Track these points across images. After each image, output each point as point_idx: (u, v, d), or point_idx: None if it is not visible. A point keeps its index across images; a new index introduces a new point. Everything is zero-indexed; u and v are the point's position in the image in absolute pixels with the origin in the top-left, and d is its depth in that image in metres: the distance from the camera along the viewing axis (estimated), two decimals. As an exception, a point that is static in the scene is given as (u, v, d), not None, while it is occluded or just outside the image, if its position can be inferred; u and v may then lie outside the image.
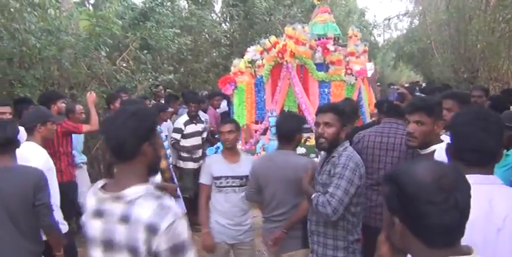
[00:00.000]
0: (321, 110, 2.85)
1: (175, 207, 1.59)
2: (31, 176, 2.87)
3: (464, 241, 1.40)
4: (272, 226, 3.15)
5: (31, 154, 3.27)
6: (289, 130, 3.12)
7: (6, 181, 2.76)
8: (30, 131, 3.44)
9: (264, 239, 3.28)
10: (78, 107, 5.20)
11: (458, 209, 1.11)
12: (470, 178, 1.61)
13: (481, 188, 1.62)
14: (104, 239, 1.62)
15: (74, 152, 5.07)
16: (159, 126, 4.93)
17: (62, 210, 4.73)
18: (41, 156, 3.36)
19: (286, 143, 3.13)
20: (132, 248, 1.53)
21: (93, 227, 1.66)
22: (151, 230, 1.50)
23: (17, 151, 2.98)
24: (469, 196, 1.16)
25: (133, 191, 1.57)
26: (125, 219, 1.55)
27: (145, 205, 1.55)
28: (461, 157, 1.72)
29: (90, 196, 1.70)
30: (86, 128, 5.00)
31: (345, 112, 2.86)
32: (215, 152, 4.54)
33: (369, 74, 5.00)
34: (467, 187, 1.17)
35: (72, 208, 5.06)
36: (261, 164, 3.21)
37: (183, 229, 1.55)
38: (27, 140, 3.38)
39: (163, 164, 3.91)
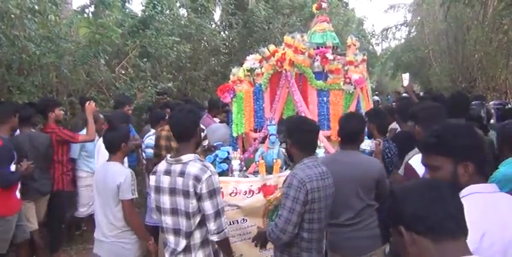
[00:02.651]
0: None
1: (211, 167, 2.63)
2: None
3: (485, 253, 1.43)
4: (347, 232, 3.03)
5: None
6: (354, 129, 3.08)
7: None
8: None
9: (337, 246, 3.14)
10: (101, 117, 5.20)
11: (449, 213, 1.20)
12: (476, 188, 1.62)
13: (488, 197, 1.62)
14: (170, 187, 2.60)
15: (91, 160, 5.13)
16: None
17: (52, 219, 4.68)
18: None
19: (350, 143, 3.07)
20: (185, 192, 2.53)
21: (164, 180, 2.63)
22: (197, 179, 2.50)
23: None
24: (461, 205, 1.24)
25: (187, 157, 2.60)
26: (182, 174, 2.55)
27: (194, 165, 2.56)
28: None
29: (162, 163, 2.71)
30: (82, 137, 4.93)
31: (291, 129, 2.84)
32: (213, 160, 4.52)
33: (405, 83, 5.19)
34: (458, 197, 1.28)
35: (62, 216, 5.02)
36: (328, 167, 2.96)
37: (215, 180, 2.55)
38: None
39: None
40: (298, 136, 2.79)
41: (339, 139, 3.34)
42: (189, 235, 2.60)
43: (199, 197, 2.52)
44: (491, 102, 6.25)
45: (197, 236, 2.61)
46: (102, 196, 3.47)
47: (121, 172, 3.37)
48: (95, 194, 3.60)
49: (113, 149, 3.47)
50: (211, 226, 2.54)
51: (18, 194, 4.13)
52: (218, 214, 2.54)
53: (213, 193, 2.52)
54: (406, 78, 5.18)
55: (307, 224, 2.64)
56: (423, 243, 1.18)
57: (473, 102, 4.71)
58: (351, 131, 3.09)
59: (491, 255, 1.46)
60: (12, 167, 4.06)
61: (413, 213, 1.19)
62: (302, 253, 2.67)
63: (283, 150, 4.45)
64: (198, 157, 2.65)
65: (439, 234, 1.17)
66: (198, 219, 2.57)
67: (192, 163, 2.57)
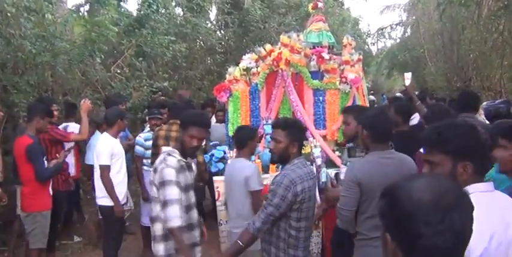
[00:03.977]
0: (272, 126, 2.98)
1: (170, 160, 2.85)
2: None
3: (493, 253, 1.44)
4: None
5: (104, 142, 4.26)
6: (389, 127, 2.83)
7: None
8: (111, 125, 4.33)
9: None
10: None
11: (453, 231, 1.01)
12: (478, 187, 1.63)
13: (489, 196, 1.64)
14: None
15: None
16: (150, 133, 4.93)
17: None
18: (110, 143, 4.27)
19: (385, 142, 2.79)
20: (154, 182, 2.88)
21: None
22: (155, 170, 2.87)
23: (99, 138, 4.50)
24: (469, 218, 1.05)
25: (163, 149, 2.98)
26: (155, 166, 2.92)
27: (159, 157, 2.91)
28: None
29: None
30: (74, 136, 4.90)
31: (295, 128, 2.79)
32: (210, 160, 4.53)
33: (407, 83, 5.20)
34: (468, 207, 1.06)
35: (62, 216, 5.00)
36: (373, 172, 2.66)
37: (168, 173, 2.79)
38: (106, 131, 4.37)
39: (200, 158, 4.47)
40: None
41: (369, 139, 2.84)
42: (153, 220, 2.94)
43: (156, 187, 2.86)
44: (487, 102, 6.28)
45: (158, 228, 2.90)
46: (229, 188, 3.76)
47: (248, 166, 3.64)
48: (225, 188, 3.90)
49: (240, 146, 3.77)
50: (161, 213, 2.81)
51: (50, 190, 4.36)
52: (165, 203, 2.77)
53: (162, 184, 2.79)
54: (408, 77, 5.22)
55: (295, 223, 2.70)
56: None
57: (498, 101, 4.85)
58: (386, 130, 2.80)
59: (497, 255, 1.47)
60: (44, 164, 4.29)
61: (416, 234, 1.01)
62: (289, 250, 2.73)
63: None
64: (173, 151, 2.92)
65: None
66: (158, 207, 2.87)
67: (161, 155, 2.93)
